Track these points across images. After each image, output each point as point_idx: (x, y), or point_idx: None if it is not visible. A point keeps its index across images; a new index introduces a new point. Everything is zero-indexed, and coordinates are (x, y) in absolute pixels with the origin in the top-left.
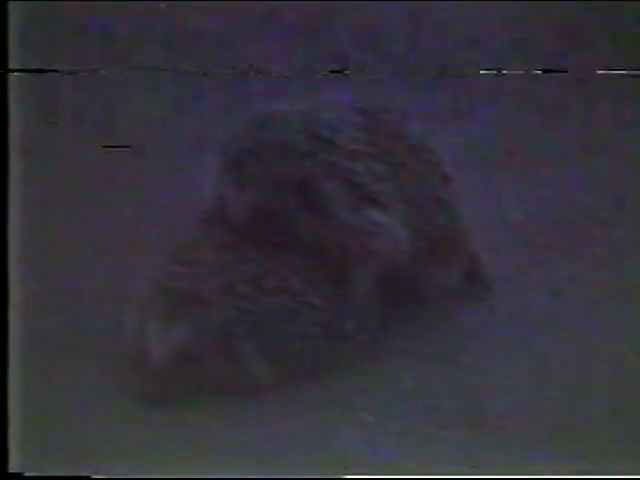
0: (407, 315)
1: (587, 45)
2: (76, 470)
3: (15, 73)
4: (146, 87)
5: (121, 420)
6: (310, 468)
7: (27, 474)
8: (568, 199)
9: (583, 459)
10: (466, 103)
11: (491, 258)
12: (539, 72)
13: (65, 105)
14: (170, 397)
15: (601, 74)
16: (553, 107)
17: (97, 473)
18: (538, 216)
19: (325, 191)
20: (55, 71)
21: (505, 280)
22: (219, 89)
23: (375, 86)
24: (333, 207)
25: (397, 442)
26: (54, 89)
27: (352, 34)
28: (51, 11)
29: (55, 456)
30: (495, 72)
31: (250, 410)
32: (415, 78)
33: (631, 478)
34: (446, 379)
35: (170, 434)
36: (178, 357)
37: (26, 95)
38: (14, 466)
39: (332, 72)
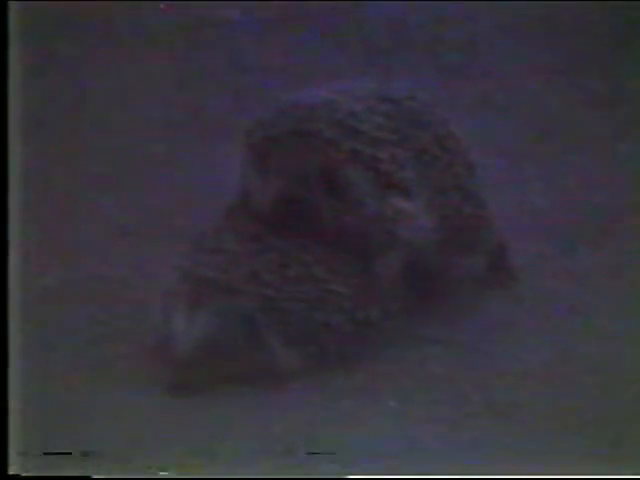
0: (432, 303)
1: None
2: (76, 471)
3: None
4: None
5: (136, 412)
6: (335, 455)
7: (27, 475)
8: (595, 186)
9: (611, 448)
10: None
11: (517, 246)
12: None
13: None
14: (195, 385)
15: None
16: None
17: (97, 473)
18: (564, 203)
19: (349, 179)
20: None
21: (531, 268)
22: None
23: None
24: (357, 195)
25: (423, 430)
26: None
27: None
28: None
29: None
30: None
31: (275, 398)
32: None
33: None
34: (472, 367)
35: (192, 423)
36: (203, 345)
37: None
38: (14, 467)
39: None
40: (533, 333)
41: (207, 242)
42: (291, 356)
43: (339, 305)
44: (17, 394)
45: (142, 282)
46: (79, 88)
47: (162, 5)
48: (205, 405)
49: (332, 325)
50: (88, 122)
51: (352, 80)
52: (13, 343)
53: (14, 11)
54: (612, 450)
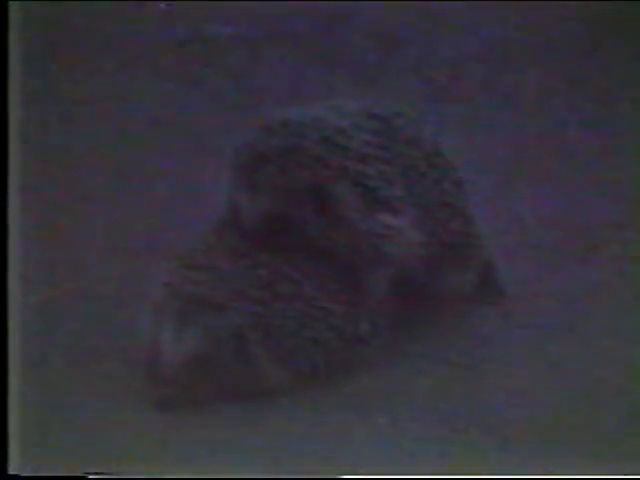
0: (421, 319)
1: None
2: (76, 470)
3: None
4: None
5: (123, 423)
6: (322, 472)
7: (27, 475)
8: (583, 204)
9: (597, 463)
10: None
11: (505, 263)
12: None
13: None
14: (183, 401)
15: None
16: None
17: (97, 473)
18: (552, 221)
19: (337, 195)
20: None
21: (519, 285)
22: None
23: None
24: (345, 211)
25: (411, 446)
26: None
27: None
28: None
29: (54, 457)
30: None
31: (263, 414)
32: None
33: (633, 478)
34: (460, 383)
35: (181, 437)
36: (192, 361)
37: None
38: (14, 467)
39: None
40: (521, 349)
41: (196, 259)
42: (280, 372)
43: (328, 321)
44: (16, 401)
45: (132, 298)
46: (73, 96)
47: (162, 5)
48: (193, 421)
49: (321, 341)
50: (82, 135)
51: (340, 98)
52: (12, 354)
53: (14, 11)
54: (598, 465)
